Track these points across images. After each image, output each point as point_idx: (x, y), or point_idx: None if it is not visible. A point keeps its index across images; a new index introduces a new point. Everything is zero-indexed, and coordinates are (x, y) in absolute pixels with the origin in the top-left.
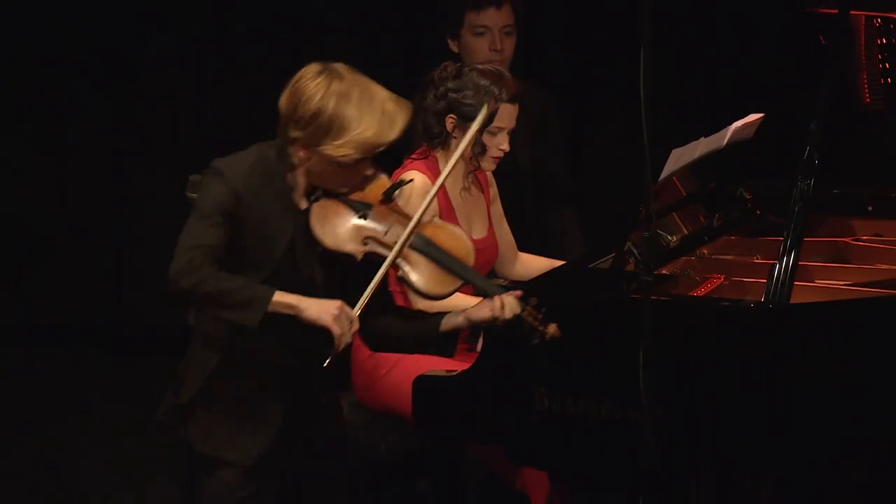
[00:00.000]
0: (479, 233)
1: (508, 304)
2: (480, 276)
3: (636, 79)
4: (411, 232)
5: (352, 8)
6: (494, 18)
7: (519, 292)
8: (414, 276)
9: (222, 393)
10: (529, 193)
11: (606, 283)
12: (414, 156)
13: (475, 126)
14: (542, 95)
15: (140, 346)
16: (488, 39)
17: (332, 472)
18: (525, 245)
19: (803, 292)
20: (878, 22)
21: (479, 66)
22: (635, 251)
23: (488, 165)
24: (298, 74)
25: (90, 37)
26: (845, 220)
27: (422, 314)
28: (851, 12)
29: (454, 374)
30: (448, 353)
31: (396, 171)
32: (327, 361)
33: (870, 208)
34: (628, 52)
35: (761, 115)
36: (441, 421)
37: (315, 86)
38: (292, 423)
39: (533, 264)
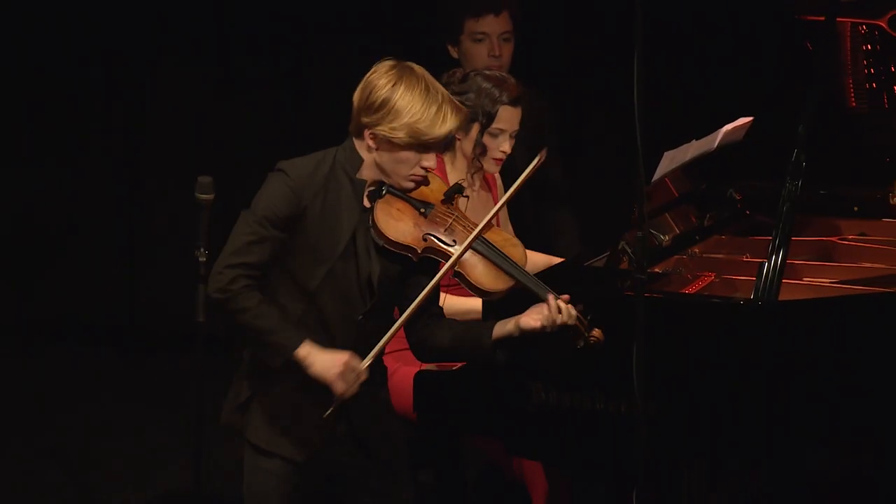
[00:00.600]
0: None
1: (566, 309)
2: (533, 278)
3: (630, 83)
4: (478, 234)
5: (352, 11)
6: (493, 25)
7: (567, 296)
8: (471, 272)
9: (279, 390)
10: (527, 194)
11: (601, 280)
12: None
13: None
14: (538, 98)
15: (149, 343)
16: (487, 46)
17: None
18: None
19: (791, 290)
20: (863, 29)
21: (485, 71)
22: (629, 250)
23: (490, 167)
24: (374, 68)
25: (103, 39)
26: (832, 220)
27: (472, 324)
28: (838, 19)
29: (454, 369)
30: (501, 361)
31: None
32: (328, 412)
33: (855, 209)
34: (622, 56)
35: (751, 118)
36: (441, 414)
37: (387, 77)
38: (344, 421)
39: (531, 262)
